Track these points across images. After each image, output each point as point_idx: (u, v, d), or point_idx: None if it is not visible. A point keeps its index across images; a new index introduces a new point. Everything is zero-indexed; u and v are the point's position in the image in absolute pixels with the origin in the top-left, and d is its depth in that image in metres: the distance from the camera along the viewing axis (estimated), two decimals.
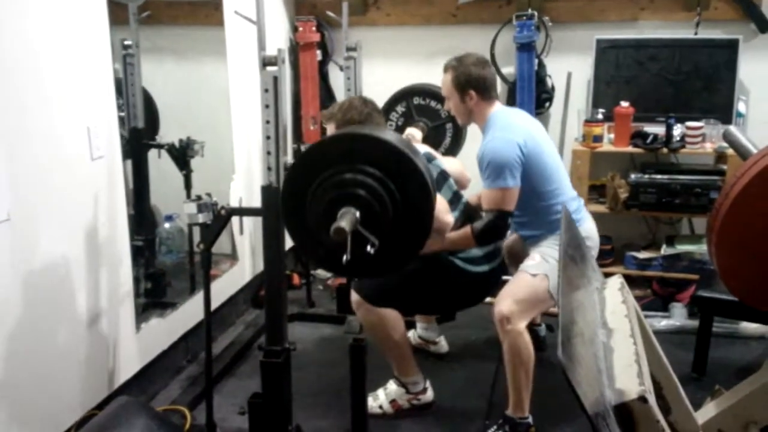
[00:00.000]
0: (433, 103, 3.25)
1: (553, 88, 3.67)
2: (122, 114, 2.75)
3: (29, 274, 2.08)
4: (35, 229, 2.11)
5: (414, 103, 3.28)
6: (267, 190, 2.04)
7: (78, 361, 2.33)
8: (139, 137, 2.93)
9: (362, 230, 1.47)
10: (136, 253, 2.74)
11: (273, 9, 3.70)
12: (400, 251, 1.61)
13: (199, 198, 2.34)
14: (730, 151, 3.05)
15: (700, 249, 3.42)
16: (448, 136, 3.28)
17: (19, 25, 2.01)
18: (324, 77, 3.97)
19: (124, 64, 2.81)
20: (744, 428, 1.79)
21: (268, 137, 2.03)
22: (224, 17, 3.16)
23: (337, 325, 3.37)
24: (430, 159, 2.57)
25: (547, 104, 3.69)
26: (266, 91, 1.99)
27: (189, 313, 2.98)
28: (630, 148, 3.45)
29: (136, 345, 2.66)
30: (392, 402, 2.65)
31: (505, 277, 2.64)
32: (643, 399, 1.26)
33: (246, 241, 3.51)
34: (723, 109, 3.45)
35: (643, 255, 3.56)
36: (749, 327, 3.20)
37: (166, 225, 3.16)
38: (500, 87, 3.56)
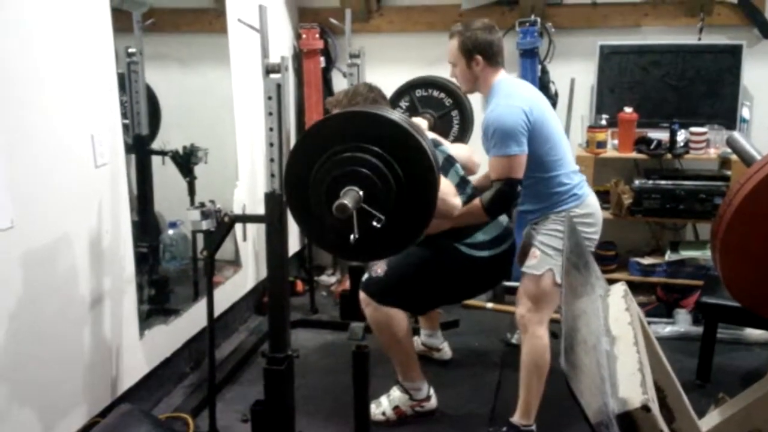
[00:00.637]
0: (435, 93, 3.24)
1: (556, 94, 3.66)
2: (126, 121, 2.76)
3: (32, 281, 2.08)
4: (39, 236, 2.11)
5: (417, 95, 3.26)
6: (270, 197, 2.05)
7: (81, 368, 2.33)
8: (143, 144, 2.94)
9: (366, 207, 1.45)
10: (140, 259, 2.74)
11: (276, 16, 3.70)
12: (406, 229, 1.58)
13: (202, 205, 2.34)
14: (734, 157, 3.02)
15: (705, 255, 3.42)
16: (455, 123, 3.25)
17: (23, 34, 2.02)
18: (327, 84, 3.98)
19: (128, 71, 2.82)
20: None
21: (271, 144, 2.04)
22: (228, 25, 3.17)
23: (341, 331, 3.36)
24: (436, 144, 2.53)
25: None
26: (270, 98, 2.01)
27: (192, 319, 2.97)
28: (634, 154, 3.46)
29: (140, 352, 2.66)
30: (395, 409, 2.64)
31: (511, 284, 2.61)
32: (646, 408, 1.26)
33: (249, 248, 3.51)
34: (727, 115, 3.45)
35: (647, 261, 3.56)
36: (754, 333, 3.19)
37: (170, 232, 3.16)
38: None
